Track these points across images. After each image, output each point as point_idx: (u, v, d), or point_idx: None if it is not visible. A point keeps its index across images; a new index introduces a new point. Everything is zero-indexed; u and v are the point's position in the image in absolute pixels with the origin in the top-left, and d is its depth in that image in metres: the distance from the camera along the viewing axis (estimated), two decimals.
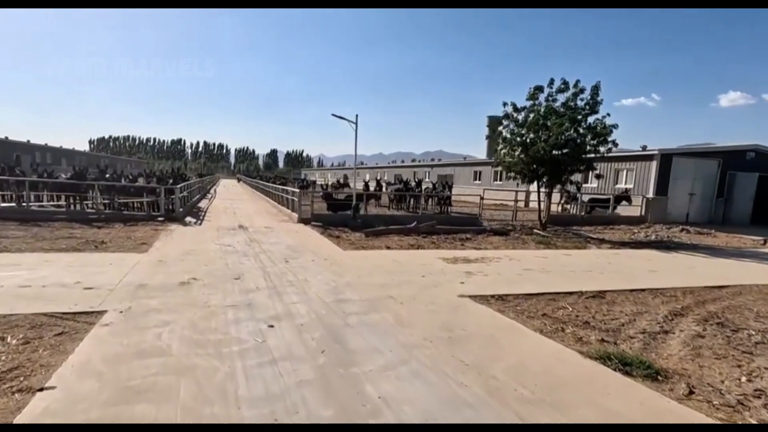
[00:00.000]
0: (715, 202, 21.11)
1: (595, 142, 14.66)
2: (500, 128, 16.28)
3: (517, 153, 15.62)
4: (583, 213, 19.74)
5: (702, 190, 20.78)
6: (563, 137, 14.41)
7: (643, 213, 19.76)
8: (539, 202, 16.66)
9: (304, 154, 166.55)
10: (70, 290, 5.81)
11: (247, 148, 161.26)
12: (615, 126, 14.37)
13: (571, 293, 6.94)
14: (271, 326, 4.78)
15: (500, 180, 31.98)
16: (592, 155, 14.93)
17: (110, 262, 7.61)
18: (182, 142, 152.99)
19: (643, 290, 7.39)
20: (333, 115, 15.72)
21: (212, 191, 37.97)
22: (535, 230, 15.74)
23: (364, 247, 10.94)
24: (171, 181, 17.96)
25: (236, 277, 6.96)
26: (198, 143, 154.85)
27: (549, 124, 14.83)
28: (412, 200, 22.85)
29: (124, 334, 4.37)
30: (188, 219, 15.11)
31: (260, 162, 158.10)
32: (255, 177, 61.38)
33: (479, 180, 35.00)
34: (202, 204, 22.86)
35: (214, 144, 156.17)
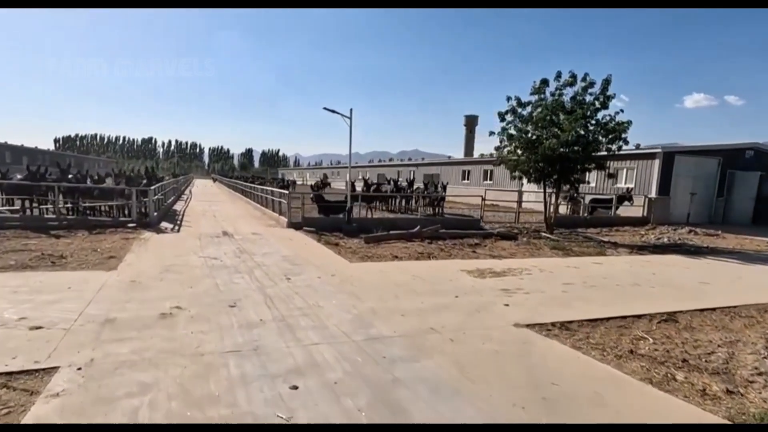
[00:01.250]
0: (715, 201, 20.58)
1: (605, 139, 13.72)
2: (504, 124, 15.15)
3: (520, 152, 14.59)
4: (586, 214, 18.85)
5: (702, 190, 20.21)
6: (575, 134, 13.41)
7: (645, 213, 19.02)
8: (546, 203, 15.67)
9: (280, 154, 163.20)
10: (11, 332, 4.31)
11: (222, 147, 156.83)
12: (629, 122, 13.44)
13: (638, 317, 5.80)
14: (295, 387, 3.43)
15: (490, 180, 31.07)
16: (604, 153, 13.99)
17: (69, 286, 6.07)
18: (153, 141, 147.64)
19: (713, 309, 6.31)
20: (325, 108, 14.34)
21: (187, 192, 35.89)
22: (543, 233, 14.72)
23: (370, 257, 9.64)
24: (145, 181, 16.20)
25: (231, 304, 5.56)
26: (170, 142, 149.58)
27: (557, 120, 13.84)
28: (403, 201, 21.67)
29: (82, 413, 2.96)
30: (164, 224, 13.46)
31: (235, 161, 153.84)
32: (232, 177, 59.07)
33: (467, 179, 34.02)
34: (178, 206, 21.09)
35: (186, 143, 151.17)
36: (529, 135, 14.27)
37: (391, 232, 12.69)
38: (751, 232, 16.82)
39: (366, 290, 6.52)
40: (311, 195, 15.77)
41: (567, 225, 17.06)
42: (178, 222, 14.52)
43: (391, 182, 24.36)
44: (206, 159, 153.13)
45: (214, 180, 70.15)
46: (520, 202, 23.96)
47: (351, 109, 14.23)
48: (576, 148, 13.52)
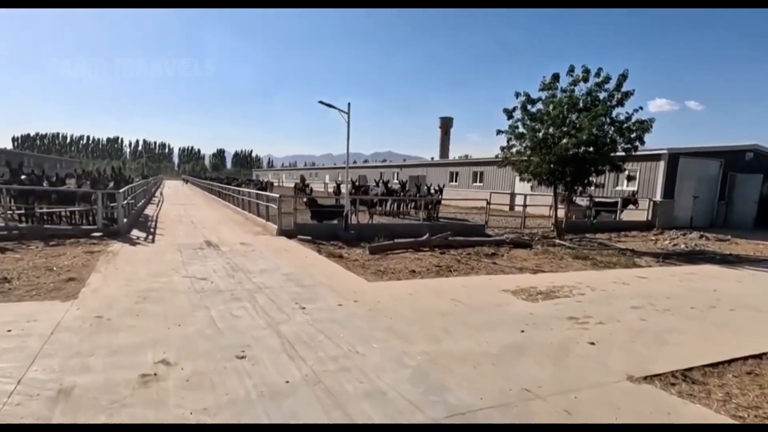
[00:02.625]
0: (717, 205, 20.04)
1: (622, 139, 12.74)
2: (511, 122, 14.00)
3: (528, 152, 13.50)
4: (592, 219, 17.90)
5: (704, 193, 19.62)
6: (593, 133, 12.37)
7: (650, 217, 18.23)
8: (556, 207, 14.62)
9: (253, 155, 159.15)
10: None
11: (192, 147, 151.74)
12: (653, 120, 12.48)
13: (758, 357, 4.60)
14: None
15: (480, 182, 30.08)
16: (621, 153, 13.02)
17: (9, 327, 4.44)
18: (119, 141, 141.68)
19: None
20: (321, 102, 12.81)
21: (158, 194, 33.52)
22: (556, 240, 13.65)
23: (383, 272, 8.26)
24: (112, 184, 14.31)
25: (239, 354, 4.06)
26: (137, 142, 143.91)
27: (572, 118, 12.79)
28: (395, 205, 20.29)
29: None
30: (135, 233, 11.68)
31: (207, 162, 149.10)
32: (205, 178, 56.47)
33: (455, 181, 32.91)
34: (150, 211, 19.05)
35: (155, 143, 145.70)
36: (540, 134, 13.18)
37: (396, 240, 11.33)
38: (758, 237, 16.22)
39: (406, 324, 5.11)
40: (304, 199, 14.22)
41: (573, 230, 16.04)
42: (152, 230, 12.71)
43: (381, 184, 22.93)
44: (176, 159, 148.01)
45: (186, 181, 67.12)
46: (510, 205, 23.01)
47: (349, 104, 12.78)
48: (590, 148, 12.53)
